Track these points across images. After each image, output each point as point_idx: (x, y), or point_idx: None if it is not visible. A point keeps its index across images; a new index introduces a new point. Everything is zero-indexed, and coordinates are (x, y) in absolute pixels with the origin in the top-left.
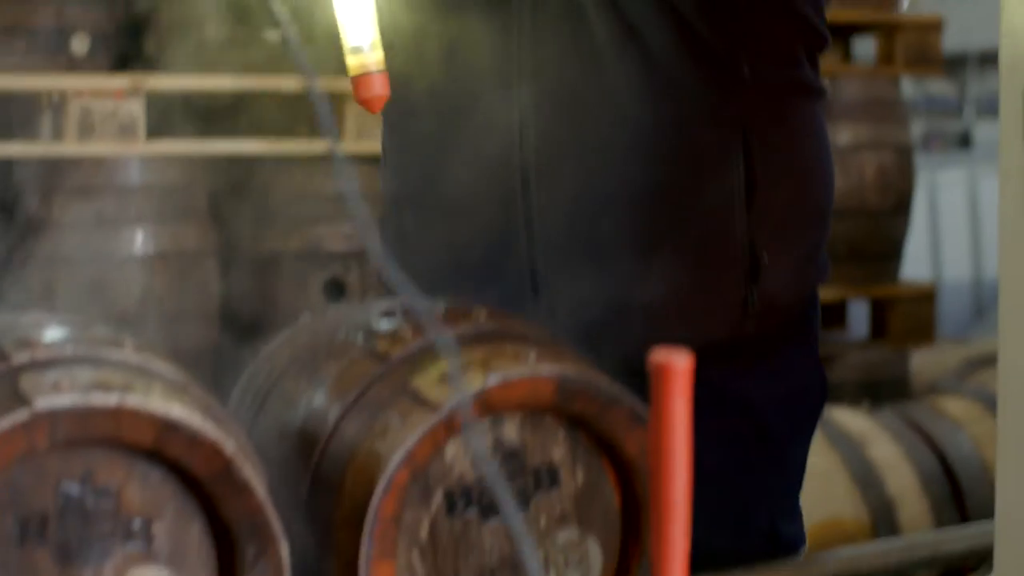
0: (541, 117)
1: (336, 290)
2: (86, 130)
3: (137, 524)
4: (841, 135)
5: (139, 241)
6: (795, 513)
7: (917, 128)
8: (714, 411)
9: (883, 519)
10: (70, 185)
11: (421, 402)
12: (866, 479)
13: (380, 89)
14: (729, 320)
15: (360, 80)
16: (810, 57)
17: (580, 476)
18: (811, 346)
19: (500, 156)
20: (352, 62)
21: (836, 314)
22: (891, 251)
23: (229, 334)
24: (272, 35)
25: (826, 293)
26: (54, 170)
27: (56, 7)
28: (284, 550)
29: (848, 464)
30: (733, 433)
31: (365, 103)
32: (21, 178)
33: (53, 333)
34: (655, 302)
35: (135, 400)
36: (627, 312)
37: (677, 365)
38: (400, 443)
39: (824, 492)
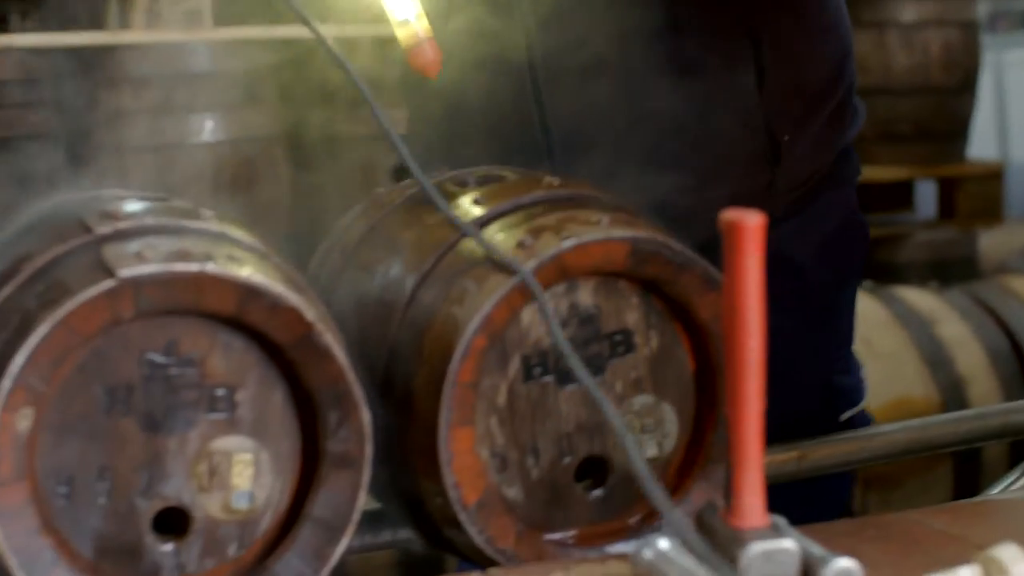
0: (547, 29)
1: (404, 173)
2: (153, 18)
3: (221, 393)
4: (906, 12)
5: (208, 128)
6: (850, 364)
7: (983, 8)
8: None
9: (953, 397)
10: (138, 74)
11: (497, 267)
12: (935, 358)
13: (432, 55)
14: (754, 204)
15: (414, 50)
16: None
17: (654, 341)
18: (845, 191)
19: (510, 68)
20: (402, 34)
21: (902, 194)
22: (957, 130)
23: (300, 219)
24: None
25: (891, 172)
26: (122, 59)
27: None
28: (366, 416)
29: (917, 343)
30: (774, 292)
31: (422, 70)
32: (90, 68)
33: (134, 206)
34: (677, 199)
35: (216, 268)
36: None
37: (749, 222)
38: (477, 308)
39: (894, 371)
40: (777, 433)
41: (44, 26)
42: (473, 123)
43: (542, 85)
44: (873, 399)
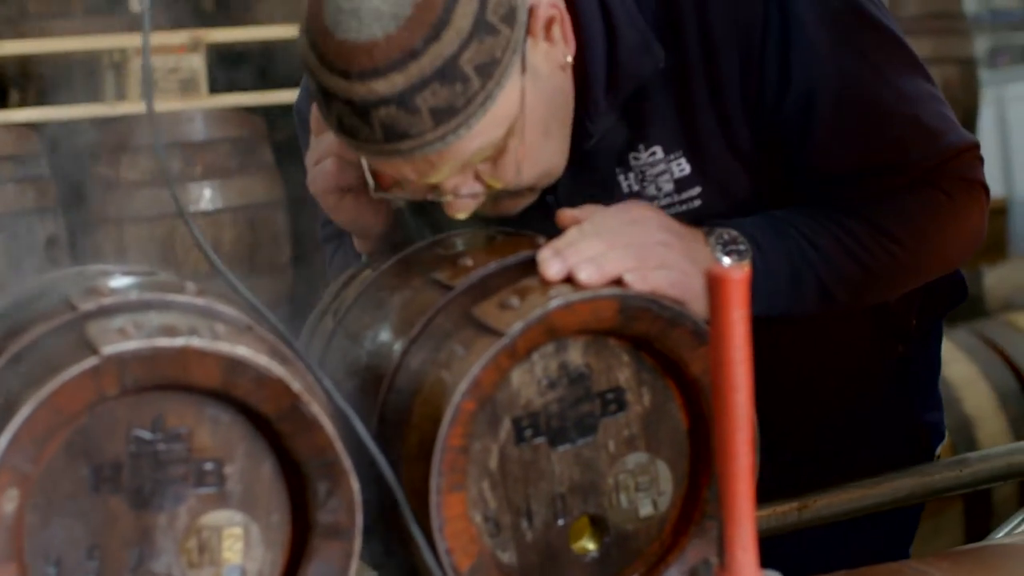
0: None
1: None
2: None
3: (209, 467)
4: None
5: (207, 196)
6: (936, 400)
7: (983, 43)
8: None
9: (962, 438)
10: (135, 143)
11: (485, 329)
12: (944, 399)
13: None
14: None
15: None
16: None
17: (647, 398)
18: None
19: None
20: None
21: None
22: None
23: (301, 284)
24: None
25: None
26: (119, 129)
27: None
28: (355, 485)
29: None
30: (870, 331)
31: None
32: (86, 138)
33: (119, 281)
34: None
35: (201, 342)
36: None
37: (733, 275)
38: (465, 371)
39: None
40: (871, 473)
41: (41, 99)
42: None
43: None
44: None
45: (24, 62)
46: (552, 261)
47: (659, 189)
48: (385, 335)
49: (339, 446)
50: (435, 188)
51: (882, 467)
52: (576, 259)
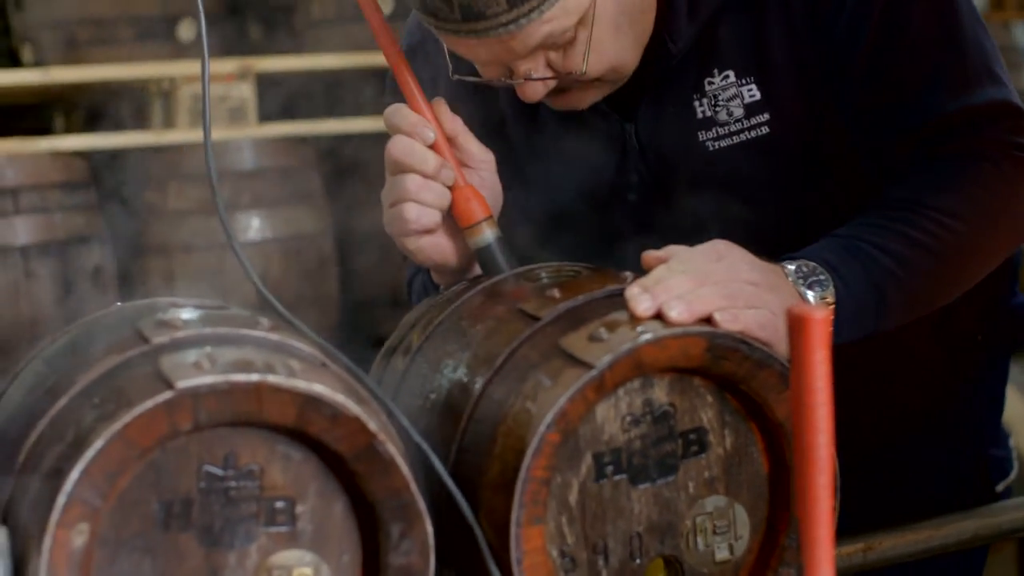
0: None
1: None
2: (197, 116)
3: (280, 505)
4: None
5: (255, 226)
6: (1001, 435)
7: None
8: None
9: (1018, 476)
10: (183, 172)
11: (573, 361)
12: None
13: (480, 210)
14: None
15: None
16: None
17: (729, 440)
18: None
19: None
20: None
21: None
22: None
23: (350, 315)
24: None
25: None
26: (167, 157)
27: None
28: (429, 528)
29: None
30: (940, 362)
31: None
32: (135, 167)
33: (191, 315)
34: None
35: (276, 378)
36: None
37: (815, 316)
38: (551, 403)
39: None
40: (935, 507)
41: (88, 127)
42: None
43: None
44: None
45: (71, 89)
46: (642, 298)
47: (730, 114)
48: (467, 364)
49: (415, 488)
50: (509, 72)
51: (945, 502)
52: (666, 296)
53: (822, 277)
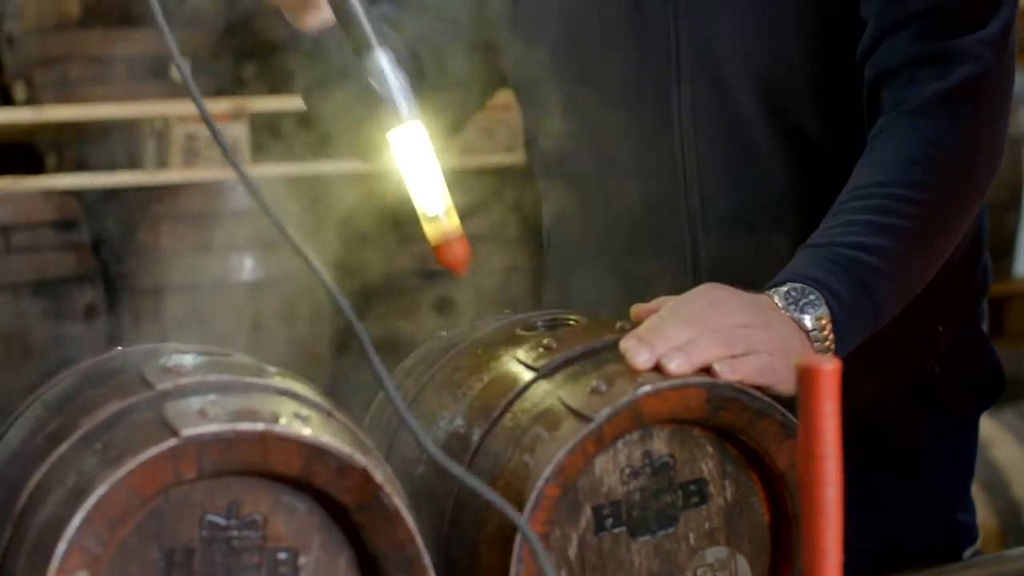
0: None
1: (447, 307)
2: (190, 156)
3: (283, 556)
4: None
5: (248, 267)
6: (969, 502)
7: None
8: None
9: (1011, 522)
10: (176, 212)
11: (571, 413)
12: (991, 481)
13: (462, 253)
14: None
15: (441, 248)
16: None
17: (729, 491)
18: (979, 327)
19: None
20: (431, 231)
21: None
22: (1003, 247)
23: (342, 357)
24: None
25: None
26: (160, 197)
27: (155, 33)
28: None
29: None
30: (909, 427)
31: (450, 267)
32: (127, 207)
33: (195, 361)
34: None
35: (282, 427)
36: None
37: (824, 367)
38: (550, 456)
39: None
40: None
41: (79, 165)
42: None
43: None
44: None
45: (62, 128)
46: (639, 350)
47: None
48: (463, 416)
49: (419, 541)
50: None
51: (910, 569)
52: (664, 348)
53: (812, 297)
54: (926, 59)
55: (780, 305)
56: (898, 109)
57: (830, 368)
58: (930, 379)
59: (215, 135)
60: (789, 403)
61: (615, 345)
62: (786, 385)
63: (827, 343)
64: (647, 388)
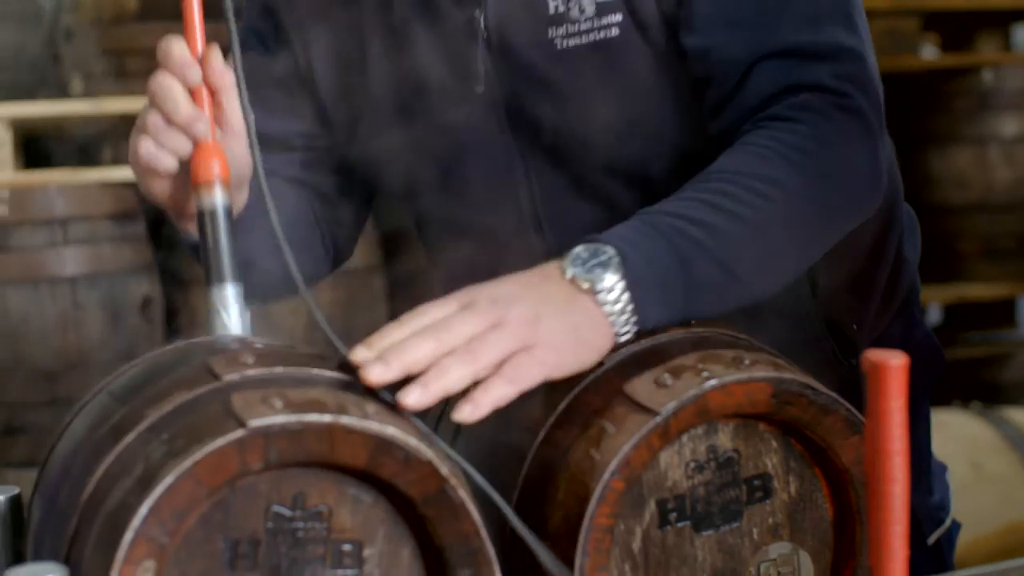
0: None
1: None
2: None
3: (348, 548)
4: (1005, 126)
5: None
6: (932, 485)
7: None
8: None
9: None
10: None
11: (637, 407)
12: None
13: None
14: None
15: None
16: None
17: (793, 486)
18: (913, 318)
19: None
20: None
21: (1004, 312)
22: None
23: None
24: None
25: (993, 290)
26: None
27: (210, 27)
28: (498, 574)
29: None
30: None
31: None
32: None
33: (260, 352)
34: None
35: (350, 419)
36: None
37: (893, 363)
38: (616, 450)
39: (1005, 496)
40: None
41: None
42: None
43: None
44: (984, 524)
45: (120, 120)
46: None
47: (582, 11)
48: (528, 410)
49: (484, 534)
50: None
51: None
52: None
53: (604, 257)
54: (787, 89)
55: (566, 266)
56: (758, 121)
57: (898, 364)
58: (855, 376)
59: (248, 127)
60: (855, 399)
61: (680, 340)
62: (558, 370)
63: (620, 304)
64: (713, 382)
